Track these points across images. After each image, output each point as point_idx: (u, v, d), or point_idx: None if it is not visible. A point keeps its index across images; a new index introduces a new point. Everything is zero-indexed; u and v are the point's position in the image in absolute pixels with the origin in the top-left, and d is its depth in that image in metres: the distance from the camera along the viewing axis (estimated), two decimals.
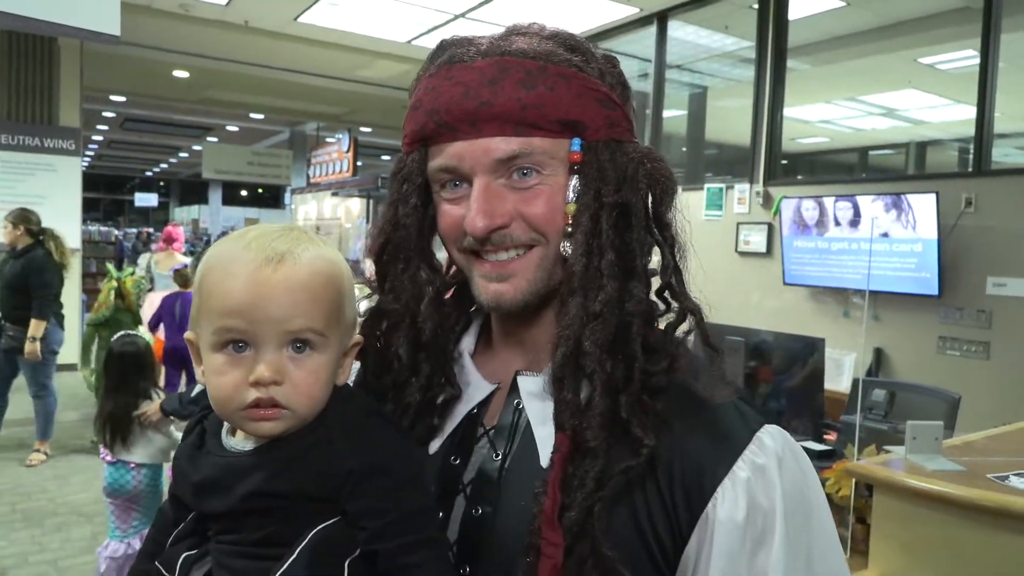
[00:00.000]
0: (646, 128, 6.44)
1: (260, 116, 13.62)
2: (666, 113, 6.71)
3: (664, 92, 6.60)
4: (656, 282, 0.76)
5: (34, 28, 3.06)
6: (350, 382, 0.82)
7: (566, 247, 0.73)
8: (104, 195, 28.93)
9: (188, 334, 0.76)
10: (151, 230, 20.34)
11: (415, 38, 7.53)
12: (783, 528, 0.66)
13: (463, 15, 6.75)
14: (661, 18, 6.53)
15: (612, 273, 0.71)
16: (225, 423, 0.76)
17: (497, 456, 0.75)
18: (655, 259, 0.76)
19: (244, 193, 28.06)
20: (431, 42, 6.25)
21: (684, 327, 0.75)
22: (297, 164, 14.33)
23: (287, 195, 16.76)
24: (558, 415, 0.70)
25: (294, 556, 0.67)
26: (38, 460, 5.11)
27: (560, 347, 0.71)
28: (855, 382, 2.69)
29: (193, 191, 29.07)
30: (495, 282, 0.74)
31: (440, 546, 0.71)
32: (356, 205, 11.36)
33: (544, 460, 0.71)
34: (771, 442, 0.70)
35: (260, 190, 26.43)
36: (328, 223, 11.49)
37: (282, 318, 0.69)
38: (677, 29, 6.57)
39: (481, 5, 6.47)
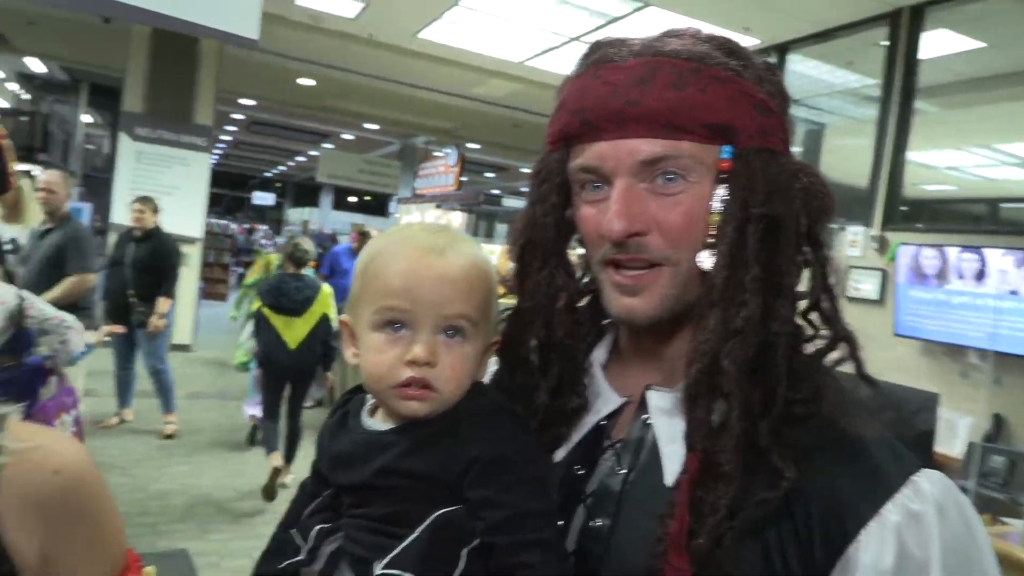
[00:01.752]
0: None
1: (374, 127, 14.17)
2: None
3: None
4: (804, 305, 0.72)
5: (178, 27, 3.29)
6: (486, 380, 0.84)
7: (702, 259, 0.69)
8: (227, 191, 30.82)
9: (343, 317, 0.81)
10: (263, 226, 21.50)
11: (529, 59, 7.65)
12: None
13: (577, 38, 6.80)
14: (782, 51, 6.36)
15: (756, 288, 0.67)
16: (367, 404, 0.81)
17: (621, 470, 0.74)
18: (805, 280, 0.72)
19: (353, 199, 29.24)
20: (544, 63, 6.28)
21: (835, 355, 0.70)
22: (404, 175, 14.79)
23: (393, 204, 17.34)
24: (690, 434, 0.67)
25: (414, 536, 0.70)
26: (173, 429, 5.54)
27: (695, 363, 0.68)
28: (971, 446, 2.49)
29: (306, 194, 30.56)
30: (627, 296, 0.72)
31: (554, 551, 0.70)
32: (458, 218, 11.59)
33: (669, 479, 0.69)
34: (930, 488, 0.64)
35: (368, 197, 27.48)
36: None
37: (440, 302, 0.74)
38: (797, 63, 6.38)
39: (597, 29, 6.51)
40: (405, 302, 0.74)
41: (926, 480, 0.64)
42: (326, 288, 4.74)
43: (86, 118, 13.98)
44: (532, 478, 0.73)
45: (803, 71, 6.47)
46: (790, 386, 0.67)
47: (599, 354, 0.84)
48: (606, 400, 0.79)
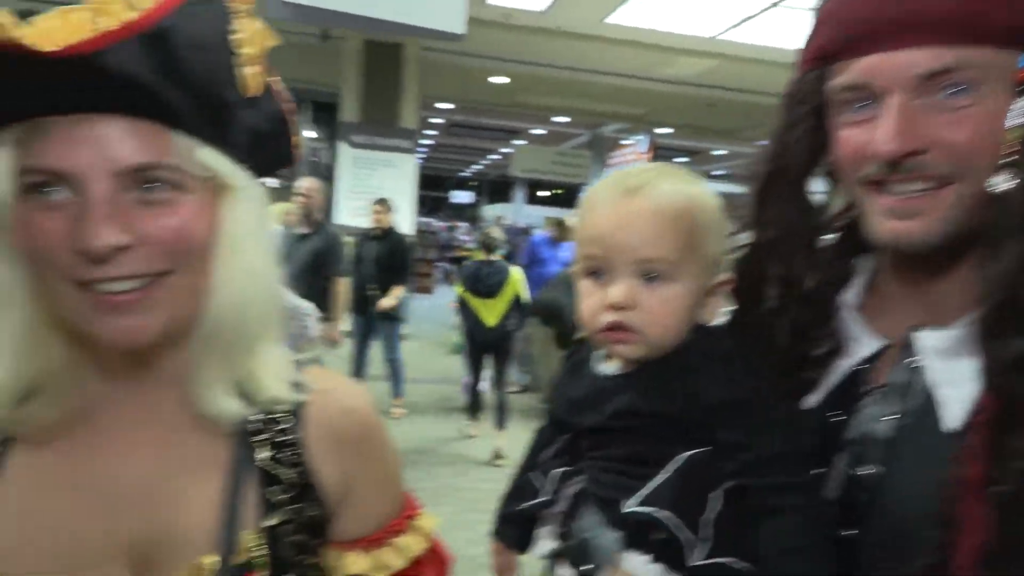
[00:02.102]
0: None
1: (564, 119, 14.34)
2: None
3: None
4: None
5: (390, 30, 3.55)
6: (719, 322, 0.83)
7: (996, 181, 0.63)
8: (428, 192, 32.90)
9: (573, 267, 0.84)
10: (462, 223, 22.75)
11: (722, 32, 7.30)
12: None
13: (776, 4, 6.37)
14: None
15: None
16: (600, 351, 0.83)
17: (887, 416, 0.70)
18: None
19: (544, 193, 29.90)
20: (739, 35, 5.93)
21: None
22: (595, 165, 14.83)
23: (583, 195, 17.44)
24: (987, 373, 0.62)
25: (666, 476, 0.71)
26: (400, 413, 6.07)
27: (992, 296, 0.62)
28: None
29: (500, 190, 31.73)
30: (898, 219, 0.66)
31: (811, 495, 0.69)
32: None
33: (951, 423, 0.64)
34: None
35: (559, 191, 27.98)
36: None
37: (633, 246, 0.74)
38: None
39: None
40: (600, 248, 0.76)
41: None
42: (515, 272, 5.48)
43: (309, 133, 15.61)
44: (781, 420, 0.71)
45: None
46: None
47: (850, 296, 0.78)
48: (863, 344, 0.74)
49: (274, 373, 0.73)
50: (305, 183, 5.02)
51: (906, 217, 0.66)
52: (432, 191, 33.40)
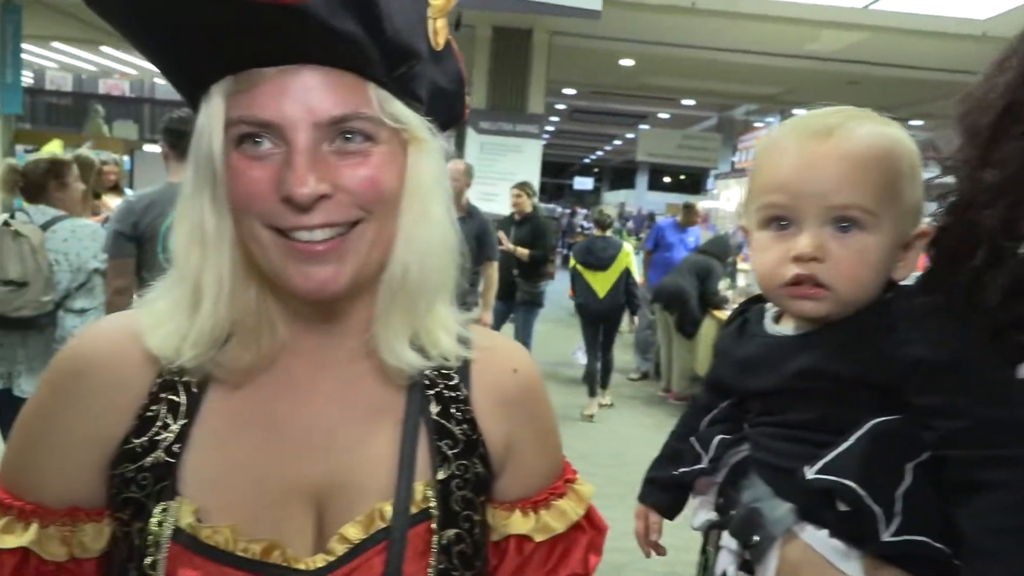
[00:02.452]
0: None
1: (691, 102, 13.92)
2: None
3: None
4: None
5: (523, 9, 3.55)
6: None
7: None
8: (550, 179, 32.98)
9: (741, 221, 0.79)
10: (583, 210, 22.71)
11: (874, 1, 6.78)
12: None
13: None
14: None
15: None
16: (768, 312, 0.78)
17: None
18: None
19: (667, 180, 29.23)
20: (894, 4, 5.49)
21: None
22: (723, 150, 14.32)
23: (710, 180, 16.89)
24: None
25: (850, 442, 0.65)
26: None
27: None
28: None
29: (622, 177, 31.36)
30: None
31: (1022, 469, 0.60)
32: None
33: None
34: None
35: (683, 176, 27.24)
36: None
37: (825, 192, 0.68)
38: None
39: None
40: (785, 196, 0.70)
41: None
42: (626, 247, 5.92)
43: None
44: (993, 383, 0.63)
45: None
46: None
47: None
48: None
49: (446, 329, 0.74)
50: (451, 165, 5.07)
51: None
52: (554, 178, 33.49)
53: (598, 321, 5.85)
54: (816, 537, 0.68)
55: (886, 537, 0.63)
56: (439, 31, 0.68)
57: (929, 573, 0.63)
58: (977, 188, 0.70)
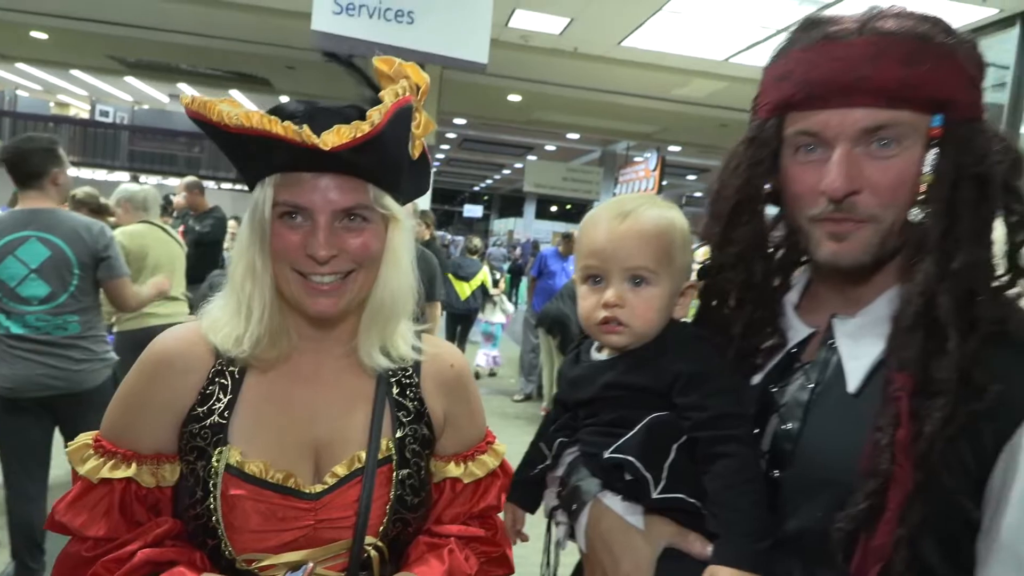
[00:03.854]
0: None
1: (576, 136, 14.58)
2: None
3: None
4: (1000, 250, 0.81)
5: (418, 59, 3.76)
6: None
7: (915, 214, 0.80)
8: (439, 206, 33.18)
9: (575, 275, 1.04)
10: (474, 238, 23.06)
11: (733, 55, 7.54)
12: None
13: (786, 29, 6.59)
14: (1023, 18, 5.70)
15: (970, 238, 0.77)
16: (594, 344, 1.03)
17: (809, 384, 0.88)
18: (999, 230, 0.80)
19: (553, 209, 30.11)
20: (749, 59, 6.16)
21: (1018, 290, 0.80)
22: (606, 181, 15.02)
23: None
24: (903, 357, 0.78)
25: (632, 432, 0.90)
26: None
27: (915, 300, 0.78)
28: None
29: (511, 205, 31.98)
30: (835, 242, 0.82)
31: (747, 444, 0.87)
32: None
33: (852, 387, 0.83)
34: None
35: (568, 206, 28.17)
36: None
37: (622, 257, 0.94)
38: None
39: None
40: (597, 260, 0.96)
41: None
42: (484, 268, 7.90)
43: None
44: (727, 388, 0.90)
45: None
46: (989, 316, 0.76)
47: (792, 296, 0.98)
48: (797, 331, 0.94)
49: (405, 339, 1.09)
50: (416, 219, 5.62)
51: (839, 241, 0.82)
52: (443, 204, 33.72)
53: (459, 318, 7.71)
54: (612, 500, 0.91)
55: (655, 495, 0.86)
56: (416, 148, 1.01)
57: (687, 520, 0.87)
58: (722, 257, 0.96)
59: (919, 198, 0.79)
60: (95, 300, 2.94)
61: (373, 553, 1.00)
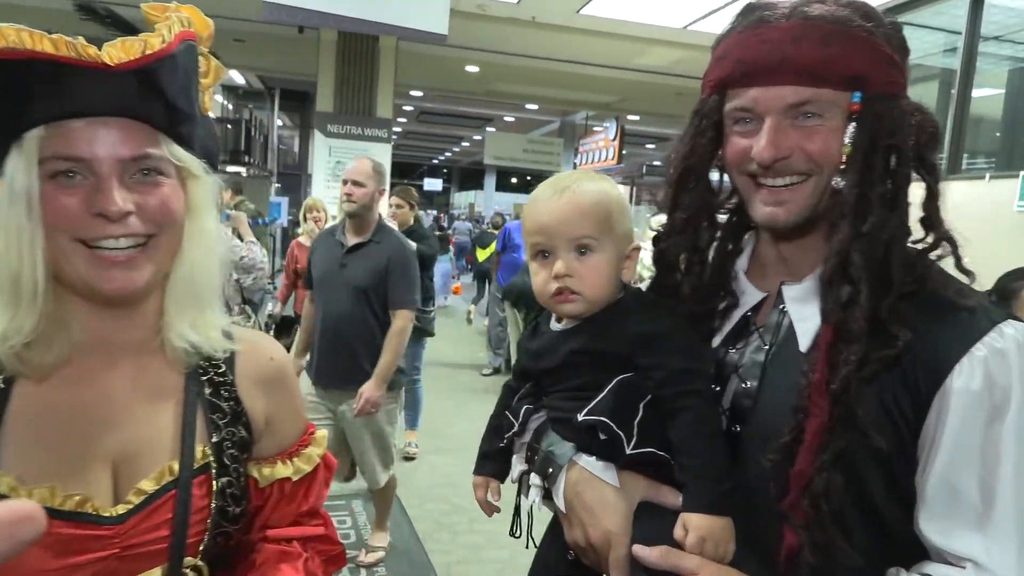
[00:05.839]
0: (949, 108, 5.77)
1: (535, 107, 14.48)
2: (976, 92, 5.94)
3: (975, 69, 5.85)
4: (915, 213, 0.90)
5: (376, 30, 3.66)
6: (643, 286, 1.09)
7: (838, 181, 0.88)
8: (398, 180, 32.81)
9: (525, 253, 1.06)
10: (432, 211, 22.79)
11: (691, 23, 7.52)
12: (1019, 405, 0.79)
13: None
14: None
15: (880, 203, 0.86)
16: (553, 316, 1.06)
17: (765, 346, 0.96)
18: (918, 194, 0.90)
19: (514, 180, 30.01)
20: (707, 26, 6.19)
21: (938, 252, 0.90)
22: (566, 152, 15.01)
23: None
24: (825, 310, 0.88)
25: (602, 395, 0.94)
26: None
27: (832, 258, 0.87)
28: None
29: (471, 178, 31.78)
30: (771, 206, 0.91)
31: (707, 398, 0.93)
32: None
33: (803, 346, 0.91)
34: (1012, 331, 0.82)
35: (528, 178, 28.12)
36: None
37: (566, 230, 0.98)
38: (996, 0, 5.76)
39: None
40: (543, 236, 1.00)
41: (1011, 326, 0.82)
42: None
43: (278, 122, 15.51)
44: (685, 346, 0.95)
45: (1006, 3, 5.84)
46: (903, 272, 0.85)
47: (742, 262, 1.05)
48: (750, 296, 1.01)
49: (216, 328, 0.94)
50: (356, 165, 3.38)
51: (776, 205, 0.90)
52: (402, 179, 33.32)
53: (484, 275, 8.84)
54: (587, 461, 0.94)
55: (628, 451, 0.91)
56: (206, 100, 0.89)
57: (658, 473, 0.92)
58: (673, 223, 1.03)
59: (841, 167, 0.88)
60: None
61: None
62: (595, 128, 13.65)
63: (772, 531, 0.87)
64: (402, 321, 3.16)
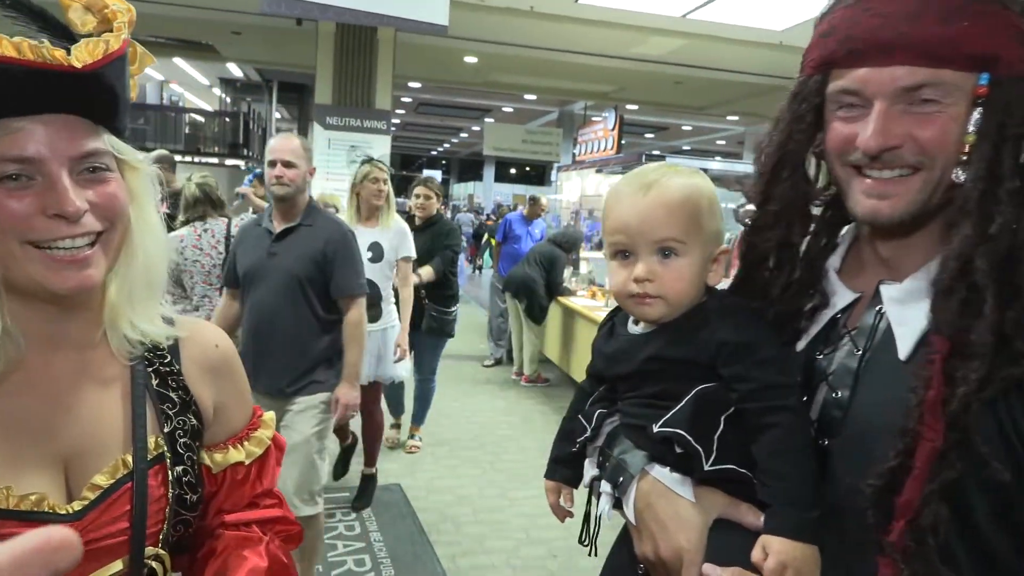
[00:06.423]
0: None
1: (533, 97, 14.43)
2: None
3: None
4: None
5: (376, 22, 3.65)
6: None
7: (959, 173, 0.79)
8: (397, 171, 32.74)
9: (604, 250, 1.01)
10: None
11: (690, 12, 7.48)
12: None
13: None
14: None
15: (1010, 200, 0.75)
16: (630, 317, 1.01)
17: (858, 351, 0.87)
18: None
19: (513, 171, 29.97)
20: (707, 14, 6.08)
21: None
22: (565, 142, 14.96)
23: (553, 173, 17.61)
24: (940, 320, 0.77)
25: (681, 404, 0.89)
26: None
27: (952, 262, 0.77)
28: None
29: (470, 169, 31.73)
30: (874, 199, 0.81)
31: (796, 414, 0.86)
32: None
33: (903, 354, 0.81)
34: None
35: (528, 168, 28.07)
36: (592, 199, 11.90)
37: (649, 231, 0.92)
38: None
39: None
40: (625, 236, 0.94)
41: None
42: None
43: (276, 115, 15.46)
44: (774, 357, 0.88)
45: None
46: None
47: (834, 260, 0.96)
48: (841, 296, 0.92)
49: (159, 316, 0.94)
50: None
51: (880, 198, 0.81)
52: (401, 170, 33.25)
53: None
54: (661, 473, 0.90)
55: (707, 467, 0.85)
56: (133, 88, 0.88)
57: (737, 490, 0.86)
58: (764, 216, 0.95)
59: (962, 159, 0.78)
60: None
61: (155, 565, 0.88)
62: (594, 118, 13.59)
63: (862, 558, 0.79)
64: (356, 309, 2.84)
